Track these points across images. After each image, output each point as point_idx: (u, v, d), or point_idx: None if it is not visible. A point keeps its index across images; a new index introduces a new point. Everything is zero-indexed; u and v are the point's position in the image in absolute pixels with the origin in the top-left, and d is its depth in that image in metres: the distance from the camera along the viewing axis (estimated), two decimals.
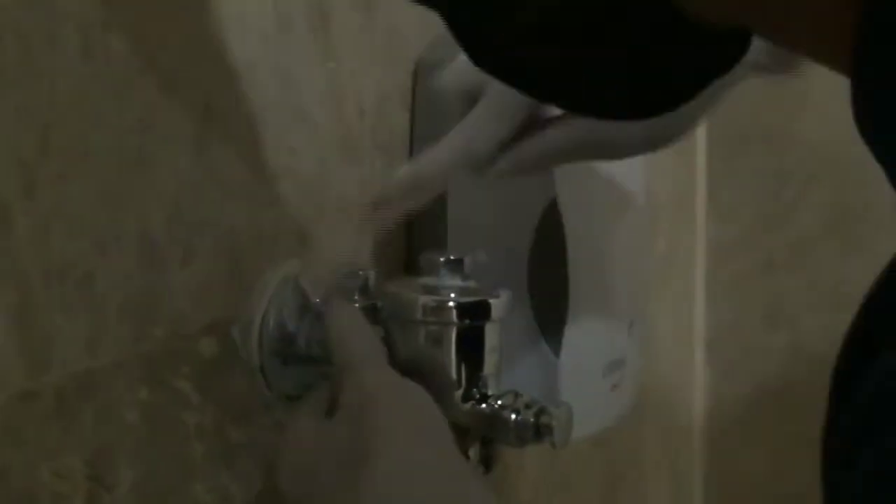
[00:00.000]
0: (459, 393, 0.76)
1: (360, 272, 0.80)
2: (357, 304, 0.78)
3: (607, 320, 0.95)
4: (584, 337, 0.92)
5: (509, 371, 0.81)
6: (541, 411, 0.76)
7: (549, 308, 0.90)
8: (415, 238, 0.91)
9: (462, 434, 0.78)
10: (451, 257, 0.77)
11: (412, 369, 0.76)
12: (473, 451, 0.79)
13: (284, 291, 0.80)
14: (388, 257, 0.90)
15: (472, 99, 0.76)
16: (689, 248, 1.42)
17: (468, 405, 0.77)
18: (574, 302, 0.90)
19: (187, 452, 0.75)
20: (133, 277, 0.71)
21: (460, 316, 0.75)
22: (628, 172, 0.99)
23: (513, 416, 0.76)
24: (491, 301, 0.76)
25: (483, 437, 0.81)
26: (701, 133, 1.41)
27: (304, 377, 0.82)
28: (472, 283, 0.77)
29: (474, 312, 0.76)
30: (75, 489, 0.68)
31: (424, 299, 0.76)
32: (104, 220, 0.69)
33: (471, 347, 0.76)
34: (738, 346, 1.44)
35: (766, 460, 1.43)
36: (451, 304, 0.75)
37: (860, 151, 0.46)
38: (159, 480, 0.73)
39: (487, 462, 0.98)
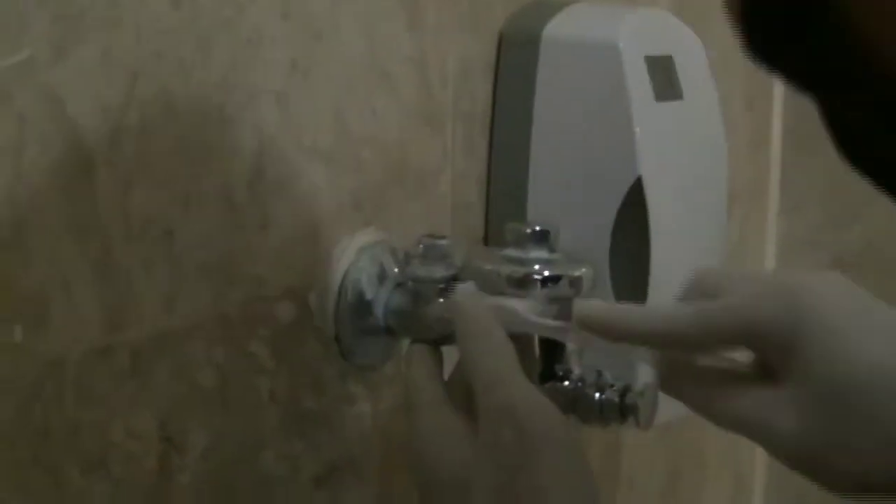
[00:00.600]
0: (540, 369, 0.74)
1: (440, 241, 0.78)
2: (437, 274, 0.76)
3: None
4: None
5: (586, 352, 0.78)
6: (626, 390, 0.74)
7: (630, 289, 0.87)
8: (493, 208, 0.89)
9: None
10: (538, 228, 0.75)
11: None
12: None
13: (362, 259, 0.78)
14: (467, 227, 0.88)
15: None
16: (759, 242, 1.40)
17: (550, 383, 0.74)
18: (655, 283, 0.87)
19: (260, 418, 0.73)
20: (212, 237, 0.69)
21: (545, 289, 0.73)
22: (712, 157, 0.97)
23: (597, 395, 0.74)
24: (577, 275, 0.74)
25: None
26: (777, 120, 1.38)
27: (380, 348, 0.80)
28: (557, 256, 0.75)
29: (561, 286, 0.73)
30: (147, 450, 0.66)
31: (509, 270, 0.74)
32: (185, 177, 0.67)
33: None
34: None
35: None
36: (536, 276, 0.73)
37: None
38: (231, 445, 0.71)
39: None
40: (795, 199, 1.41)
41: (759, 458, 1.40)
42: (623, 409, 0.74)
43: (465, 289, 0.70)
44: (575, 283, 0.73)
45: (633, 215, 0.87)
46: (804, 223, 1.41)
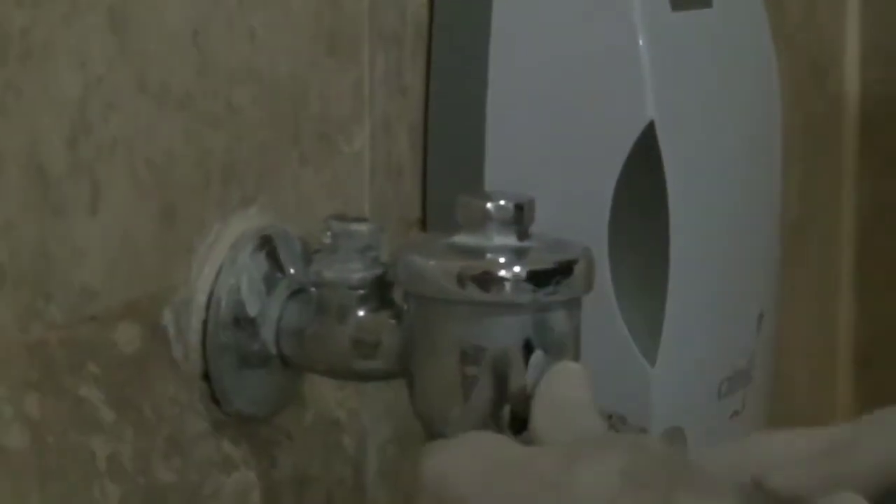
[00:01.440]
0: (516, 408, 0.76)
1: (357, 226, 0.80)
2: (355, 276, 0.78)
3: (725, 310, 0.95)
4: (690, 336, 0.92)
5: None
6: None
7: (640, 290, 0.90)
8: (434, 174, 0.91)
9: None
10: (504, 202, 0.77)
11: (440, 375, 0.76)
12: None
13: (241, 256, 0.80)
14: (396, 203, 0.90)
15: None
16: (832, 207, 1.43)
17: (527, 433, 0.76)
18: (676, 280, 0.90)
19: (95, 497, 0.75)
20: (17, 227, 0.70)
21: (521, 291, 0.75)
22: (755, 87, 1.00)
23: None
24: (569, 268, 0.76)
25: None
26: (853, 29, 1.42)
27: (270, 388, 0.82)
28: (533, 244, 0.77)
29: (542, 285, 0.75)
30: None
31: (462, 266, 0.76)
32: None
33: (535, 341, 0.76)
34: None
35: None
36: (504, 272, 0.75)
37: None
38: None
39: None
40: (881, 147, 1.45)
41: None
42: None
43: None
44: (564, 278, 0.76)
45: (642, 180, 0.89)
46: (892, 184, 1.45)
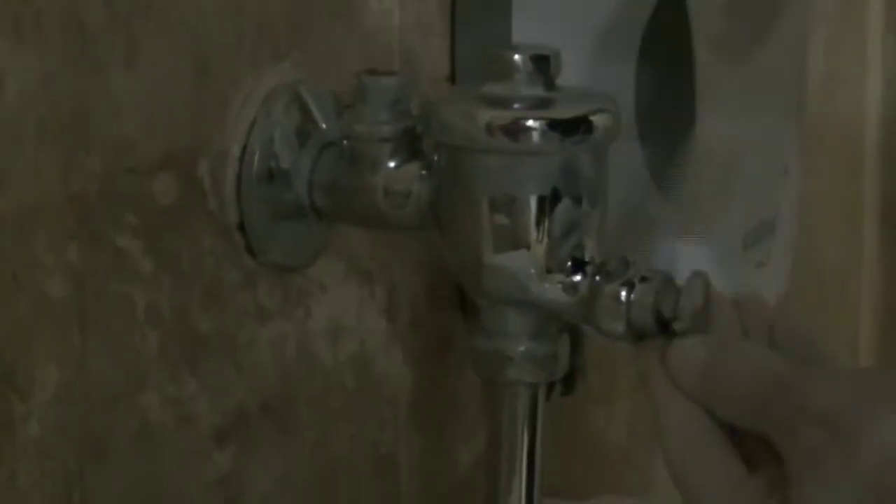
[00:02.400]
0: (543, 257, 0.77)
1: (387, 79, 0.81)
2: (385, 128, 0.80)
3: (751, 161, 0.96)
4: (716, 186, 0.92)
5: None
6: (665, 286, 0.77)
7: (665, 140, 0.91)
8: (461, 28, 0.91)
9: (543, 322, 0.80)
10: (532, 53, 0.78)
11: (469, 223, 0.78)
12: (562, 347, 0.80)
13: (275, 109, 0.81)
14: (425, 57, 0.90)
15: None
16: (857, 77, 1.43)
17: (557, 276, 0.78)
18: (703, 131, 0.90)
19: (136, 345, 0.76)
20: (57, 81, 0.71)
21: (548, 139, 0.76)
22: None
23: (623, 293, 0.77)
24: (594, 117, 0.77)
25: (572, 330, 0.82)
26: None
27: (305, 238, 0.83)
28: (559, 94, 0.78)
29: (569, 134, 0.76)
30: None
31: (491, 116, 0.77)
32: None
33: (562, 189, 0.77)
34: None
35: None
36: (532, 121, 0.76)
37: None
38: (95, 384, 0.74)
39: (569, 380, 1.00)
40: None
41: None
42: (661, 312, 0.77)
43: None
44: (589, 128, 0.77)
45: (666, 30, 0.90)
46: None
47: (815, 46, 1.24)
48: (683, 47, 0.90)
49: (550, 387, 0.84)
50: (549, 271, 0.78)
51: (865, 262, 1.47)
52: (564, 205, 0.77)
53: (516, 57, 0.78)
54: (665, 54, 0.90)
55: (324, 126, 0.82)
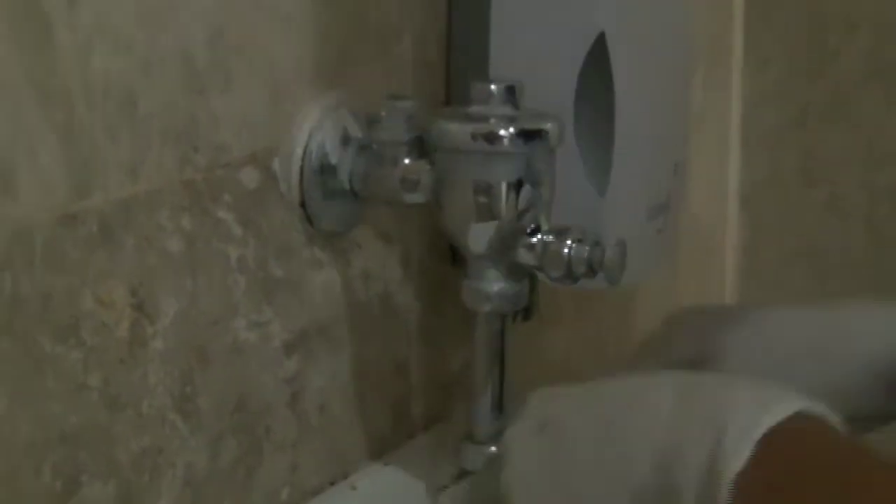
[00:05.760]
0: (510, 225, 0.77)
1: (404, 103, 0.80)
2: (402, 136, 0.79)
3: (653, 159, 0.95)
4: (629, 176, 0.91)
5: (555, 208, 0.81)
6: (595, 245, 0.76)
7: (594, 145, 0.89)
8: (454, 67, 0.90)
9: (511, 270, 0.79)
10: (503, 84, 0.77)
11: (459, 201, 0.77)
12: (523, 288, 0.79)
13: (326, 123, 0.80)
14: (429, 87, 0.89)
15: None
16: (723, 99, 1.42)
17: (520, 239, 0.77)
18: (620, 138, 0.89)
19: (229, 285, 0.75)
20: (175, 101, 0.71)
21: (514, 144, 0.75)
22: (675, 11, 0.99)
23: (565, 250, 0.76)
24: (546, 129, 0.76)
25: (530, 275, 0.81)
26: None
27: (347, 212, 0.82)
28: (523, 112, 0.77)
29: (529, 140, 0.76)
30: (119, 318, 0.68)
31: (474, 128, 0.76)
32: (145, 38, 0.68)
33: (525, 178, 0.76)
34: (773, 201, 1.44)
35: None
36: (503, 131, 0.75)
37: None
38: (201, 313, 0.73)
39: (527, 310, 0.99)
40: (759, 56, 1.43)
41: None
42: (593, 264, 0.76)
43: None
44: (543, 136, 0.76)
45: (597, 72, 0.89)
46: (768, 79, 1.43)
47: (696, 81, 1.23)
48: (608, 78, 0.89)
49: (514, 315, 0.83)
50: (514, 235, 0.77)
51: (730, 245, 1.46)
52: (526, 189, 0.77)
53: (493, 86, 0.77)
54: (595, 84, 0.89)
55: (359, 135, 0.81)
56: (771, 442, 0.61)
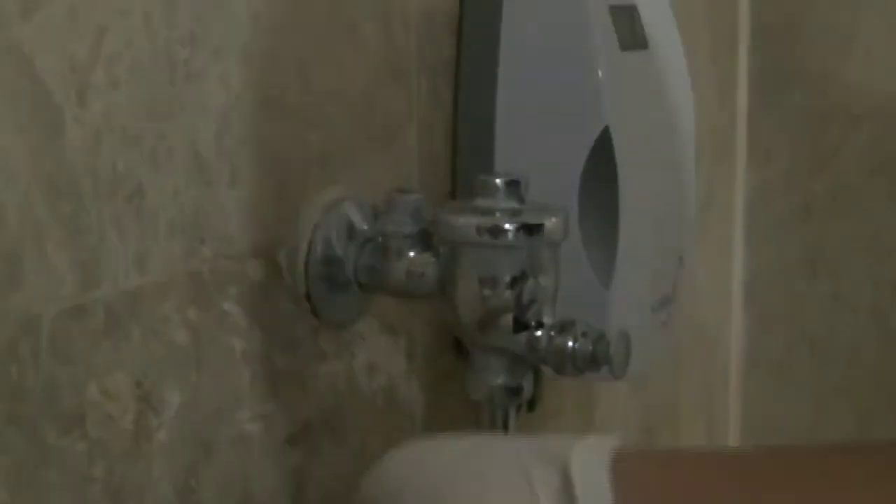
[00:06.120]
0: (513, 319, 0.77)
1: (409, 195, 0.80)
2: (407, 229, 0.79)
3: (658, 253, 0.95)
4: (634, 269, 0.92)
5: (559, 301, 0.81)
6: (599, 339, 0.76)
7: (599, 239, 0.90)
8: (460, 161, 0.91)
9: (515, 363, 0.79)
10: (508, 178, 0.77)
11: (465, 294, 0.77)
12: (527, 381, 0.79)
13: (331, 216, 0.80)
14: (435, 180, 0.90)
15: None
16: (728, 192, 1.43)
17: (524, 332, 0.77)
18: (624, 232, 0.90)
19: (234, 377, 0.75)
20: (182, 194, 0.71)
21: (518, 238, 0.75)
22: (678, 107, 1.00)
23: (570, 344, 0.76)
24: (550, 224, 0.76)
25: (534, 368, 0.81)
26: (742, 71, 1.41)
27: (352, 304, 0.82)
28: (528, 206, 0.77)
29: (533, 234, 0.76)
30: (124, 410, 0.68)
31: (479, 221, 0.76)
32: (154, 133, 0.69)
33: (528, 271, 0.76)
34: (777, 292, 1.44)
35: (804, 410, 1.43)
36: (507, 225, 0.76)
37: None
38: (206, 405, 0.73)
39: (532, 402, 0.99)
40: (764, 147, 1.44)
41: (732, 409, 1.44)
42: (596, 358, 0.76)
43: None
44: (547, 230, 0.76)
45: (601, 165, 0.89)
46: (773, 172, 1.44)
47: (700, 176, 1.24)
48: (612, 172, 0.89)
49: (519, 407, 0.83)
50: (518, 329, 0.77)
51: (734, 335, 1.46)
52: (530, 283, 0.77)
53: (497, 181, 0.77)
54: (599, 177, 0.89)
55: (365, 227, 0.81)
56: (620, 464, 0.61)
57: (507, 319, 0.77)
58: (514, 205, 0.77)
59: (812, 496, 0.60)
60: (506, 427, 0.81)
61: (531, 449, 0.64)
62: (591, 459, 0.61)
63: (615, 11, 0.91)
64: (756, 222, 1.46)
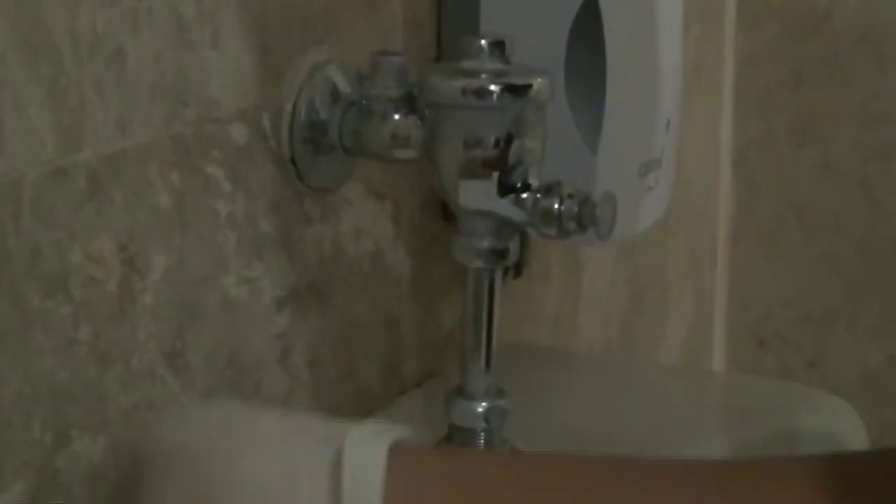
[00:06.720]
0: (498, 181, 0.76)
1: (394, 58, 0.79)
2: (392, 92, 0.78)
3: (645, 116, 0.95)
4: (621, 133, 0.91)
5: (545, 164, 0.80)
6: (585, 201, 0.76)
7: (586, 102, 0.89)
8: (445, 26, 0.90)
9: (502, 226, 0.79)
10: (493, 39, 0.76)
11: (450, 157, 0.76)
12: (513, 244, 0.79)
13: (315, 79, 0.79)
14: (419, 45, 0.89)
15: None
16: (717, 59, 1.41)
17: (510, 194, 0.76)
18: (612, 95, 0.89)
19: (219, 241, 0.75)
20: (163, 56, 0.70)
21: (504, 99, 0.75)
22: None
23: (556, 205, 0.76)
24: (536, 84, 0.75)
25: (521, 231, 0.81)
26: None
27: (337, 168, 0.82)
28: (512, 68, 0.77)
29: (518, 96, 0.75)
30: (108, 273, 0.68)
31: (466, 82, 0.75)
32: None
33: (514, 133, 0.76)
34: (765, 161, 1.43)
35: (792, 279, 1.44)
36: (493, 86, 0.75)
37: None
38: (191, 269, 0.73)
39: (518, 267, 0.99)
40: (752, 14, 1.43)
41: (720, 276, 1.44)
42: (582, 219, 0.76)
43: None
44: (533, 91, 0.75)
45: (588, 30, 0.88)
46: (762, 38, 1.43)
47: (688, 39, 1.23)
48: (599, 36, 0.88)
49: (505, 271, 0.83)
50: (504, 191, 0.77)
51: (722, 203, 1.46)
52: (516, 144, 0.76)
53: (482, 42, 0.76)
54: (586, 40, 0.88)
55: (349, 90, 0.80)
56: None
57: (494, 178, 0.76)
58: (499, 66, 0.76)
59: (587, 495, 0.60)
60: (492, 293, 0.81)
61: (308, 423, 0.63)
62: (367, 437, 0.59)
63: None
64: (744, 90, 1.45)
